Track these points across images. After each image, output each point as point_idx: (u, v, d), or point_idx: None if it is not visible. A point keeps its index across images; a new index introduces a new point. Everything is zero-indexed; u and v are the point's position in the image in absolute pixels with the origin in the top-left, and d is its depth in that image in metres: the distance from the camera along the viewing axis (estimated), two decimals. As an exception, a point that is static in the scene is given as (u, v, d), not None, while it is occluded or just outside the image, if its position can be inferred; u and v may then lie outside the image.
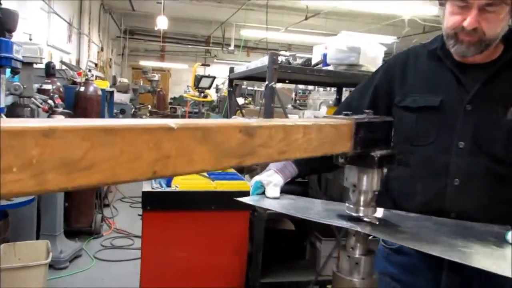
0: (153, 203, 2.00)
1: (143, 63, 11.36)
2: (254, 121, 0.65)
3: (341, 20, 10.60)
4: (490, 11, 1.12)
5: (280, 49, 13.40)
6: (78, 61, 7.70)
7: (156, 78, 9.88)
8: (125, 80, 9.71)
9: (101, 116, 4.66)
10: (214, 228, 2.08)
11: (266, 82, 2.05)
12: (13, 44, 2.37)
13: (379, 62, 2.38)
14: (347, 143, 0.83)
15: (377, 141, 0.89)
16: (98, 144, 0.43)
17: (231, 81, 3.12)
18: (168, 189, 2.04)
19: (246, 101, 8.78)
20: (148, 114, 9.47)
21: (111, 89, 5.56)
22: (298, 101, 10.81)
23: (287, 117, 2.17)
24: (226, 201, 2.10)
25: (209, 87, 6.48)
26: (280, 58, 2.05)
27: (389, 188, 1.36)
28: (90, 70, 4.67)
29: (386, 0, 7.62)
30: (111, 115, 5.73)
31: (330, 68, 2.22)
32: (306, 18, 9.34)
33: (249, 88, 9.80)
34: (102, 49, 9.73)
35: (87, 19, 8.04)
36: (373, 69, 2.33)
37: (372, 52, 2.27)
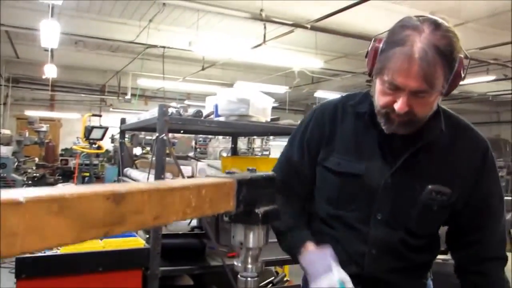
0: (28, 270, 1.78)
1: (29, 113, 10.53)
2: (123, 187, 0.62)
3: (237, 70, 11.04)
4: (420, 96, 1.09)
5: (179, 98, 13.47)
6: None
7: (44, 129, 9.17)
8: (7, 132, 8.89)
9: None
10: (102, 292, 1.91)
11: (157, 134, 2.01)
12: None
13: (269, 113, 2.49)
14: (230, 202, 0.83)
15: (260, 197, 0.90)
16: None
17: (122, 132, 3.02)
18: (46, 253, 1.84)
19: (144, 151, 8.53)
20: (34, 168, 8.69)
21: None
22: (198, 149, 10.84)
23: (179, 169, 2.13)
24: (115, 261, 1.96)
25: (102, 138, 6.19)
26: (170, 110, 2.04)
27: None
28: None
29: (278, 54, 8.14)
30: (-13, 171, 5.14)
31: (221, 119, 2.26)
32: (203, 69, 9.57)
33: (147, 137, 9.57)
34: (-21, 98, 8.84)
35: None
36: (263, 119, 2.44)
37: (261, 103, 2.37)
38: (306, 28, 6.49)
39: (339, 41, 7.90)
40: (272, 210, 0.93)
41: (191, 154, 9.44)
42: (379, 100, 1.15)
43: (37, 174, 8.41)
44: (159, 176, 2.00)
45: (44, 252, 1.85)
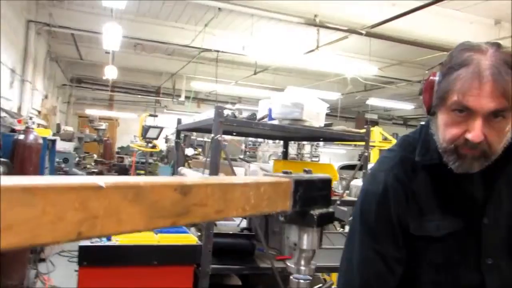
0: (90, 258, 1.88)
1: (90, 111, 11.11)
2: (189, 179, 0.64)
3: (288, 76, 11.05)
4: (496, 120, 0.94)
5: (230, 101, 13.67)
6: (19, 108, 7.41)
7: (102, 127, 9.66)
8: (70, 129, 9.42)
9: (41, 165, 4.45)
10: (157, 285, 1.99)
11: (212, 135, 2.06)
12: None
13: (322, 118, 2.48)
14: (286, 201, 0.84)
15: (316, 199, 0.91)
16: (16, 204, 0.41)
17: (178, 132, 3.12)
18: (107, 243, 1.94)
19: (196, 152, 8.74)
20: (93, 164, 9.14)
21: (54, 138, 5.35)
22: (248, 153, 10.96)
23: (232, 170, 2.17)
24: (169, 256, 2.03)
25: (157, 138, 6.43)
26: (225, 112, 2.08)
27: None
28: (31, 118, 4.49)
29: (331, 60, 8.07)
30: (53, 164, 5.48)
31: (275, 122, 2.28)
32: (255, 73, 9.66)
33: (198, 139, 9.80)
34: (46, 97, 9.44)
35: (31, 66, 7.84)
36: (316, 124, 2.42)
37: (315, 108, 2.37)
38: (360, 34, 6.40)
39: (394, 47, 7.73)
40: (327, 213, 0.93)
41: (240, 157, 9.58)
42: (446, 134, 1.00)
43: (96, 170, 8.85)
44: (213, 175, 2.05)
45: (104, 242, 1.95)
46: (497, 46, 0.98)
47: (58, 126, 9.74)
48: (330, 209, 0.94)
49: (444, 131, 1.01)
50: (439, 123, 1.02)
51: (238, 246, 2.23)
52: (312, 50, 7.28)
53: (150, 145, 6.38)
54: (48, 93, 9.71)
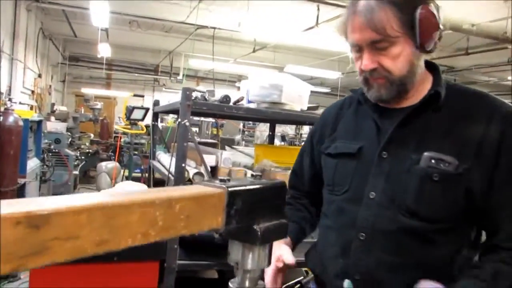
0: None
1: (86, 90, 10.90)
2: (51, 204, 0.46)
3: (288, 53, 10.77)
4: (381, 48, 1.05)
5: (229, 80, 13.43)
6: (9, 88, 7.22)
7: (98, 106, 9.46)
8: (64, 108, 9.26)
9: (23, 148, 4.29)
10: (118, 283, 1.84)
11: (179, 119, 1.88)
12: None
13: (305, 101, 2.28)
14: (217, 217, 0.65)
15: (262, 211, 0.72)
16: None
17: (155, 114, 2.93)
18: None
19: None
20: (87, 144, 9.00)
21: (39, 118, 5.18)
22: (246, 132, 10.75)
23: (202, 158, 1.99)
24: (131, 251, 1.87)
25: (142, 119, 6.22)
26: (195, 94, 1.89)
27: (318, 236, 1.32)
28: (10, 99, 4.31)
29: (331, 38, 7.78)
30: (39, 146, 5.33)
31: (252, 105, 2.09)
32: (254, 51, 9.39)
33: (195, 118, 9.62)
34: (39, 76, 9.24)
35: (21, 45, 7.62)
36: (298, 108, 2.23)
37: (296, 90, 2.16)
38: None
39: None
40: (278, 225, 0.75)
41: (238, 137, 9.39)
42: (356, 69, 1.13)
43: (90, 150, 8.71)
44: (179, 165, 1.87)
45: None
46: None
47: (53, 105, 9.57)
48: (283, 220, 0.77)
49: (356, 67, 1.13)
50: None
51: (209, 240, 2.06)
52: (312, 27, 7.00)
53: (135, 127, 6.18)
54: (42, 72, 9.50)
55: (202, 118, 9.61)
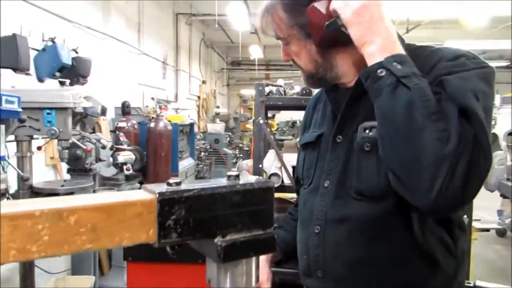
0: (134, 253, 1.87)
1: (244, 91, 11.66)
2: None
3: (445, 28, 9.58)
4: (286, 43, 1.06)
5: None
6: (176, 96, 8.20)
7: (255, 106, 10.02)
8: (225, 110, 10.05)
9: (174, 149, 4.79)
10: (200, 284, 1.86)
11: (253, 118, 1.80)
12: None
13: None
14: (147, 229, 0.55)
15: (230, 220, 0.58)
16: None
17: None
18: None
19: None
20: (245, 142, 9.60)
21: (191, 121, 5.73)
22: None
23: (279, 155, 1.86)
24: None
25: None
26: (268, 89, 1.78)
27: None
28: (160, 107, 4.86)
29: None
30: (192, 146, 5.89)
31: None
32: (408, 31, 8.63)
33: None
34: (203, 82, 10.24)
35: (185, 56, 8.55)
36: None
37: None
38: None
39: None
40: (252, 238, 0.61)
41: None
42: None
43: (247, 148, 9.27)
44: (256, 166, 1.79)
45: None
46: None
47: (217, 108, 10.53)
48: (268, 230, 0.63)
49: None
50: None
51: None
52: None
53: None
54: (206, 79, 10.51)
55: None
